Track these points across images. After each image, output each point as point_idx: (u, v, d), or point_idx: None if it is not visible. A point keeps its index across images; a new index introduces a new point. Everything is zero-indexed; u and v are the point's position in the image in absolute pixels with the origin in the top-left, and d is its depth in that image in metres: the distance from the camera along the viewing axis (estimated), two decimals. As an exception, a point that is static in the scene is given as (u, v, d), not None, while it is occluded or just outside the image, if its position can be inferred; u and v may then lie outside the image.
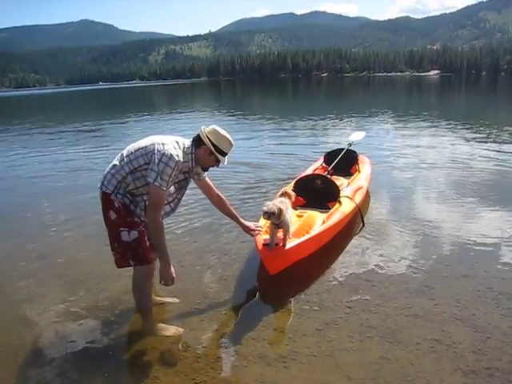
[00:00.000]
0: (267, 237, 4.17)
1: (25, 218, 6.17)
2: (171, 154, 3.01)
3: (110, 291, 3.96)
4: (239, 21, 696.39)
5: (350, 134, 7.56)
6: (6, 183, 8.74)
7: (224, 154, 3.29)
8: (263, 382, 2.78)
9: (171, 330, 3.35)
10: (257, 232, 4.01)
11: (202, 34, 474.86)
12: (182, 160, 3.10)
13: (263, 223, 4.52)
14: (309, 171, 6.41)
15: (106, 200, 3.14)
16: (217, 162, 3.32)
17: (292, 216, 4.24)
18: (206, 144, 3.20)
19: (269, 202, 3.92)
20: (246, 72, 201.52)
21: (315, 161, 7.24)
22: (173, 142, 3.12)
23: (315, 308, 3.61)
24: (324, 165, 6.76)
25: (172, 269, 3.22)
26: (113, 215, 3.13)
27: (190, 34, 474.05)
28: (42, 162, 10.54)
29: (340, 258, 4.54)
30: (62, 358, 3.11)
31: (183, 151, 3.16)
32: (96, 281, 4.16)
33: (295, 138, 12.82)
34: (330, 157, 6.75)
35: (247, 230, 3.95)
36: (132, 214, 3.17)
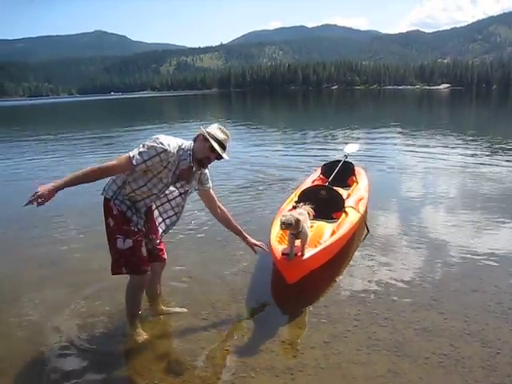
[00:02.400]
0: (283, 247, 4.21)
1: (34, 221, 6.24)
2: (161, 141, 3.00)
3: (117, 299, 3.97)
4: (250, 33, 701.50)
5: (345, 146, 7.58)
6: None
7: (220, 145, 3.19)
8: (270, 393, 2.77)
9: (152, 338, 3.40)
10: (260, 247, 3.93)
11: (214, 45, 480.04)
12: (173, 151, 3.04)
13: (276, 232, 4.55)
14: (308, 182, 6.47)
15: (106, 206, 3.18)
16: (213, 153, 3.20)
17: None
18: (201, 134, 3.18)
19: (287, 213, 3.96)
20: (257, 84, 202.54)
21: (312, 172, 7.29)
22: (169, 137, 3.12)
23: (323, 320, 3.60)
24: (322, 176, 6.80)
25: (50, 195, 2.80)
26: (111, 222, 3.17)
27: (202, 46, 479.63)
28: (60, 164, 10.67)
29: (347, 269, 4.54)
30: (64, 365, 3.13)
31: (180, 147, 3.14)
32: (103, 288, 4.17)
33: (300, 149, 12.93)
34: (327, 168, 6.80)
35: (251, 245, 3.88)
36: (129, 222, 3.17)
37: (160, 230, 3.54)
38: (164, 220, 3.59)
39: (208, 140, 3.14)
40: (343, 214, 5.15)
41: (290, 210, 5.02)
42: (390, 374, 2.91)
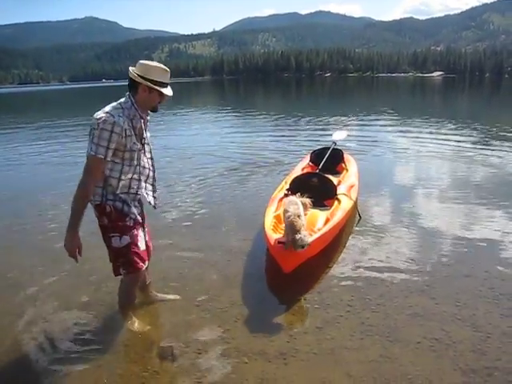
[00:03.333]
0: (277, 235, 4.21)
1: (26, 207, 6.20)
2: (104, 118, 2.81)
3: (112, 288, 3.96)
4: (243, 20, 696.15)
5: (333, 133, 7.53)
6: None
7: (164, 85, 3.02)
8: (263, 378, 2.79)
9: (146, 326, 3.38)
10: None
11: (206, 32, 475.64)
12: (120, 117, 2.86)
13: (270, 221, 4.55)
14: (297, 170, 6.44)
15: (98, 208, 3.03)
16: (161, 97, 3.04)
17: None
18: (140, 83, 2.94)
19: (292, 214, 3.90)
20: (250, 71, 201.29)
21: (301, 159, 7.26)
22: (105, 108, 2.90)
23: (316, 306, 3.63)
24: (311, 163, 6.78)
25: (76, 241, 2.90)
26: (105, 220, 3.03)
27: (194, 33, 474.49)
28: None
29: (340, 256, 4.55)
30: (57, 355, 3.12)
31: (121, 107, 2.93)
32: (100, 277, 4.15)
33: (292, 135, 12.91)
34: (316, 155, 6.78)
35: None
36: (124, 218, 3.05)
37: (152, 203, 3.35)
38: (147, 192, 3.31)
39: (153, 88, 2.95)
40: (336, 202, 5.15)
41: (282, 198, 5.03)
42: (382, 358, 2.94)
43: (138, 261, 3.15)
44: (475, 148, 10.36)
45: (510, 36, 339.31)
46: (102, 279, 4.02)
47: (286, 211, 4.02)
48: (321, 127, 14.89)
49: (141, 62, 3.01)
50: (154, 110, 3.13)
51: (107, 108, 2.89)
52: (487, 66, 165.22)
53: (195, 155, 10.41)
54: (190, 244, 4.95)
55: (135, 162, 3.04)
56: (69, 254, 2.92)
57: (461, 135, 12.56)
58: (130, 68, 2.98)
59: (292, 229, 3.82)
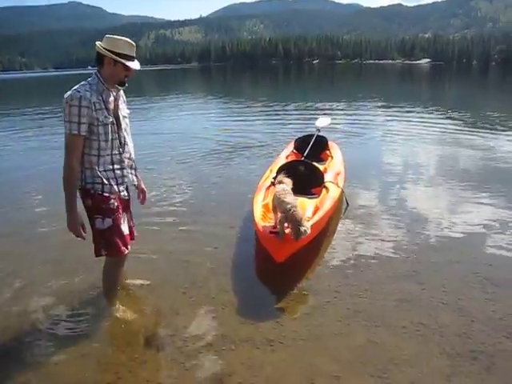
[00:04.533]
0: (268, 224, 4.19)
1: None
2: (71, 95, 2.83)
3: (97, 276, 3.92)
4: (230, 6, 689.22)
5: (316, 120, 7.50)
6: None
7: (129, 58, 3.00)
8: (251, 365, 2.78)
9: (132, 314, 3.37)
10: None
11: (193, 18, 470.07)
12: (86, 90, 2.87)
13: (259, 210, 4.52)
14: (282, 157, 6.38)
15: (81, 192, 3.05)
16: (127, 71, 3.02)
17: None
18: (105, 56, 2.94)
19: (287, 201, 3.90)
20: (237, 58, 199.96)
21: (285, 147, 7.19)
22: (75, 86, 2.91)
23: (304, 292, 3.64)
24: (295, 151, 6.72)
25: (77, 220, 2.98)
26: (89, 202, 3.06)
27: (181, 19, 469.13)
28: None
29: (328, 243, 4.55)
30: (44, 340, 3.10)
31: (88, 83, 2.94)
32: (84, 265, 4.10)
33: (278, 120, 12.85)
34: (300, 143, 6.73)
35: (141, 190, 3.54)
36: (107, 201, 3.06)
37: (135, 181, 3.38)
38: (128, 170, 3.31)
39: (117, 60, 2.94)
40: (324, 190, 5.11)
41: (269, 187, 5.00)
42: (369, 343, 2.95)
43: (121, 244, 3.17)
44: (462, 133, 10.45)
45: (496, 24, 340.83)
46: (88, 266, 3.96)
47: (283, 202, 3.92)
48: (308, 113, 14.86)
49: (107, 35, 3.02)
50: (122, 85, 3.11)
51: (76, 87, 2.90)
52: (474, 54, 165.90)
53: (181, 140, 10.38)
54: (175, 231, 4.92)
55: (110, 136, 3.02)
56: (74, 234, 3.02)
57: (448, 121, 12.64)
58: (97, 42, 2.99)
59: (295, 220, 3.76)
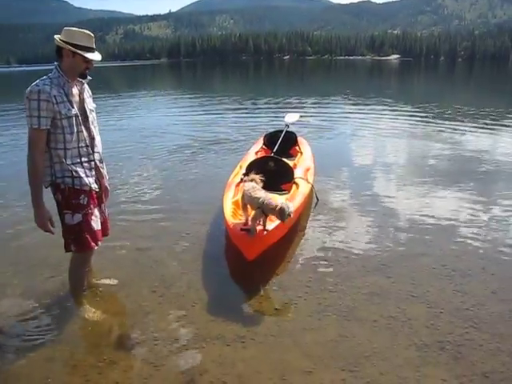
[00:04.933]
0: (238, 221, 4.15)
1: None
2: (30, 89, 2.84)
3: (64, 276, 3.82)
4: (200, 1, 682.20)
5: (284, 116, 7.42)
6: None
7: (88, 49, 2.98)
8: (222, 362, 2.76)
9: (100, 314, 3.32)
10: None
11: (162, 13, 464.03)
12: (45, 84, 2.87)
13: (229, 207, 4.46)
14: (251, 153, 6.33)
15: (52, 187, 3.08)
16: (87, 63, 3.01)
17: None
18: (64, 48, 2.93)
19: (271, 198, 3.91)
20: (207, 53, 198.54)
21: (254, 142, 7.13)
22: (37, 81, 2.91)
23: (274, 288, 3.63)
24: (264, 147, 6.67)
25: (44, 215, 2.98)
26: (59, 196, 3.08)
27: (150, 14, 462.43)
28: None
29: (299, 239, 4.56)
30: (7, 344, 3.00)
31: (48, 77, 2.94)
32: (49, 266, 4.00)
33: (247, 116, 12.80)
34: (269, 138, 6.69)
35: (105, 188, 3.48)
36: (77, 196, 3.07)
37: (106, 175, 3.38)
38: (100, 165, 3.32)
39: (76, 52, 2.94)
40: (294, 186, 5.10)
41: (238, 184, 4.97)
42: (340, 338, 2.96)
43: (90, 240, 3.15)
44: (431, 127, 10.70)
45: (463, 21, 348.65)
46: (55, 266, 3.88)
47: (254, 198, 3.93)
48: (278, 108, 14.92)
49: (65, 28, 3.02)
50: (82, 77, 3.10)
51: (35, 81, 2.90)
52: (442, 50, 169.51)
53: (150, 137, 10.25)
54: (145, 228, 4.86)
55: (75, 129, 3.01)
56: (42, 229, 3.02)
57: (417, 115, 12.88)
58: (56, 36, 2.98)
59: (274, 206, 3.77)
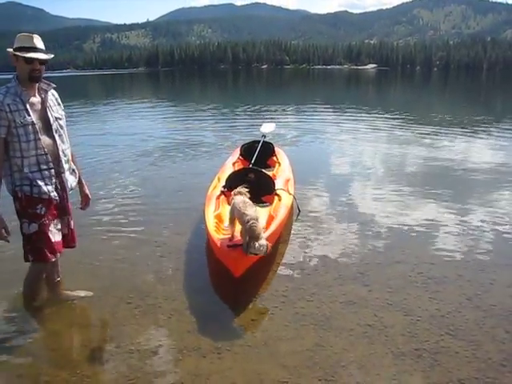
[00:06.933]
0: (222, 237, 3.98)
1: None
2: None
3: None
4: (178, 10, 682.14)
5: (260, 126, 7.37)
6: None
7: (29, 50, 2.96)
8: (198, 374, 2.72)
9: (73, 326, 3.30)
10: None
11: (140, 22, 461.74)
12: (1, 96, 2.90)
13: (212, 222, 4.35)
14: (228, 164, 6.17)
15: (13, 194, 3.09)
16: (29, 63, 2.96)
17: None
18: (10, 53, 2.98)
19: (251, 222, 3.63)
20: (186, 63, 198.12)
21: (231, 153, 6.96)
22: None
23: (251, 298, 3.60)
24: (241, 158, 6.55)
25: (1, 227, 2.99)
26: (17, 205, 3.08)
27: (128, 22, 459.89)
28: None
29: (277, 248, 4.51)
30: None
31: (7, 87, 2.97)
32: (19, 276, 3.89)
33: (225, 125, 12.82)
34: (246, 149, 6.58)
35: (85, 195, 3.54)
36: (34, 205, 3.05)
37: (73, 185, 3.36)
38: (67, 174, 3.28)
39: (16, 54, 2.96)
40: (276, 198, 5.00)
41: (218, 196, 4.86)
42: (317, 347, 2.95)
43: (47, 251, 3.12)
44: (408, 135, 10.87)
45: (437, 31, 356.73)
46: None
47: (243, 214, 3.69)
48: (255, 116, 14.99)
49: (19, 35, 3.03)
50: (33, 80, 3.04)
51: None
52: (418, 60, 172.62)
53: (127, 145, 10.19)
54: (120, 238, 4.78)
55: (32, 137, 2.99)
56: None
57: (394, 123, 13.09)
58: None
59: (253, 234, 3.54)
